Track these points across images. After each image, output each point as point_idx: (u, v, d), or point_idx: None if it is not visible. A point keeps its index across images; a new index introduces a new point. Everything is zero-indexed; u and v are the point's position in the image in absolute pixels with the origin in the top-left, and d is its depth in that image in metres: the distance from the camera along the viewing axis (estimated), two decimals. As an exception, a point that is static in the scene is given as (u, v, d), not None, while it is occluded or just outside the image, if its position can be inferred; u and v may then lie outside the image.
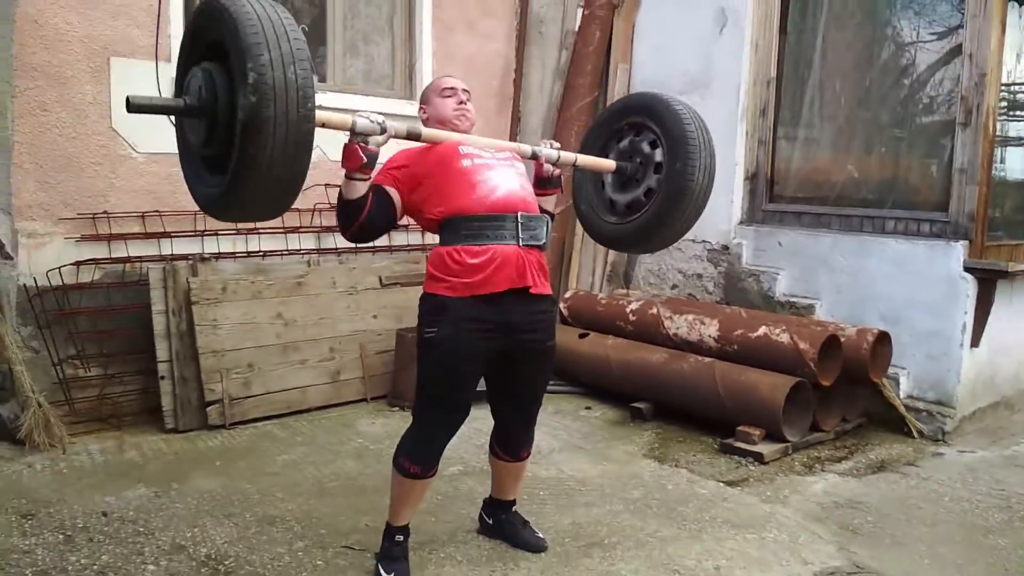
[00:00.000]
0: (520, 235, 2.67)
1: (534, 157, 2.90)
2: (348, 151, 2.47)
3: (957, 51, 4.57)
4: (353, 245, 5.13)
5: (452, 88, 2.90)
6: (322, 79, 5.33)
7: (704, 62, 5.51)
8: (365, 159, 2.46)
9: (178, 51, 2.31)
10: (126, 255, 4.45)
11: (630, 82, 5.98)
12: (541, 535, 3.09)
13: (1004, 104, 4.92)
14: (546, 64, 6.11)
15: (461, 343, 2.63)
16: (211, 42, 2.09)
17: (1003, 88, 4.77)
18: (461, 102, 2.90)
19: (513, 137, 6.08)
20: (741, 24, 5.36)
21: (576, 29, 6.03)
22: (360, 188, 2.56)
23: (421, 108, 2.97)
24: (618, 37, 5.93)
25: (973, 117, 4.46)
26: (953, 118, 4.57)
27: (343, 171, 2.54)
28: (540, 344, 2.80)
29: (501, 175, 2.74)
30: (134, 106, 2.05)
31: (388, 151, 2.66)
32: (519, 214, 2.68)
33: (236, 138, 1.96)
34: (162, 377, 4.32)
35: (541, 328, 2.78)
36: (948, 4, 4.69)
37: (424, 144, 2.73)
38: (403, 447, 2.77)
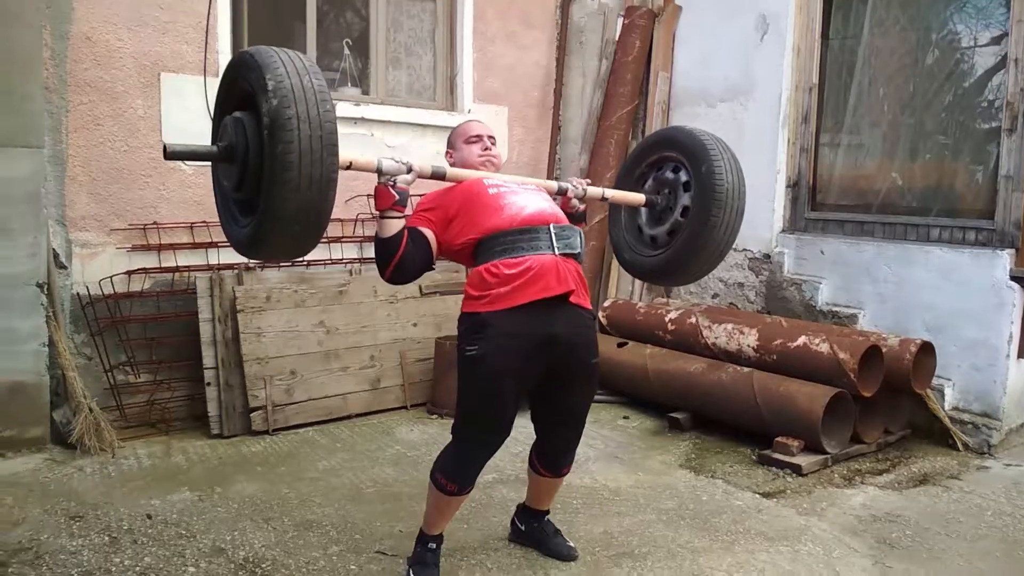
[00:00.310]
0: (555, 244, 2.68)
1: (561, 193, 2.94)
2: (378, 192, 2.55)
3: (1003, 56, 4.48)
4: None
5: (478, 135, 2.96)
6: (365, 91, 5.43)
7: (745, 69, 5.48)
8: (396, 196, 2.54)
9: (214, 102, 2.42)
10: (175, 264, 4.59)
11: (671, 90, 5.97)
12: (572, 544, 3.11)
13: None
14: (586, 74, 6.13)
15: (502, 360, 2.61)
16: (243, 92, 2.20)
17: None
18: (486, 148, 2.96)
19: (553, 147, 6.12)
20: (782, 30, 5.32)
21: (616, 39, 6.04)
22: (395, 226, 2.59)
23: (448, 153, 3.03)
24: (658, 46, 5.93)
25: (1019, 123, 4.36)
26: (999, 124, 4.48)
27: (377, 213, 2.59)
28: (584, 360, 2.78)
29: (527, 198, 2.78)
30: (171, 154, 2.17)
31: (415, 192, 2.72)
32: (551, 225, 2.71)
33: (265, 156, 2.05)
34: (208, 383, 4.45)
35: (584, 343, 2.77)
36: (994, 9, 4.61)
37: (450, 184, 2.80)
38: (441, 465, 2.77)
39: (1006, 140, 4.42)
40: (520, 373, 2.66)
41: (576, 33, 6.13)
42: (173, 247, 4.59)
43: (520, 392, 2.73)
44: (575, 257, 2.75)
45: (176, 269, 4.60)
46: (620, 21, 6.07)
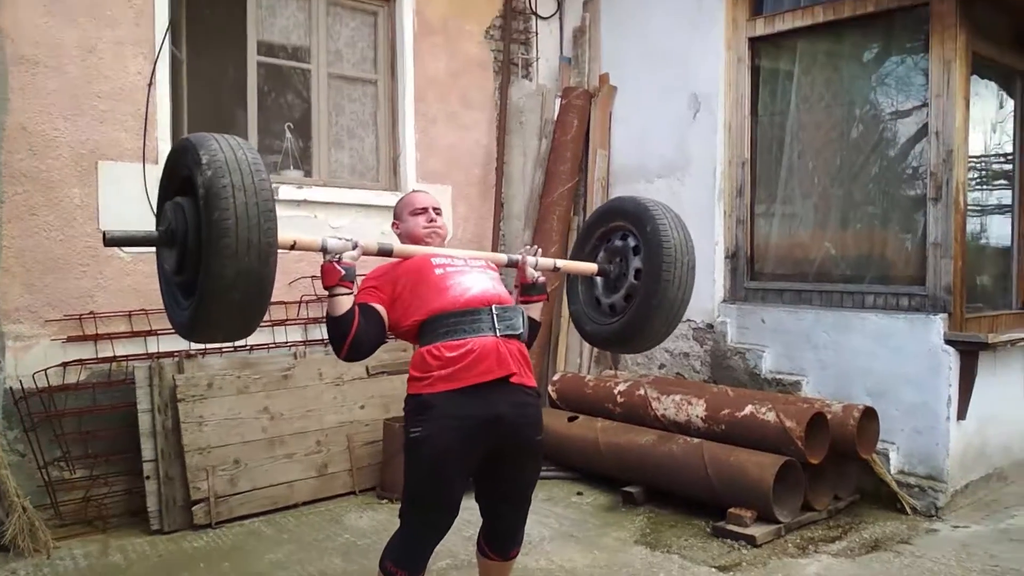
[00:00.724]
0: (497, 325, 2.68)
1: (511, 264, 2.97)
2: (324, 270, 2.55)
3: (924, 127, 4.70)
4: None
5: (423, 207, 2.98)
6: (308, 173, 5.44)
7: (680, 145, 5.65)
8: (343, 271, 2.53)
9: (157, 192, 2.42)
10: (112, 354, 4.47)
11: (609, 167, 6.12)
12: None
13: (975, 176, 5.05)
14: (527, 152, 6.25)
15: (446, 441, 2.59)
16: (181, 177, 2.23)
17: (973, 160, 4.90)
18: (431, 220, 2.97)
19: (497, 223, 6.18)
20: (713, 109, 5.52)
21: (555, 118, 6.20)
22: (345, 303, 2.58)
23: (394, 224, 3.05)
24: (595, 125, 6.09)
25: (943, 192, 4.56)
26: (925, 193, 4.67)
27: (325, 292, 2.58)
28: (528, 439, 2.76)
29: (473, 278, 2.78)
30: (110, 240, 2.18)
31: (362, 269, 2.71)
32: (494, 306, 2.71)
33: (202, 228, 2.06)
34: (147, 477, 4.29)
35: (528, 422, 2.75)
36: (913, 82, 4.85)
37: (397, 260, 2.81)
38: (390, 551, 2.72)
39: (932, 209, 4.61)
40: (464, 453, 2.64)
41: (515, 113, 6.27)
42: (111, 336, 4.47)
43: (465, 472, 2.71)
44: (517, 337, 2.75)
45: (114, 359, 4.47)
46: (558, 101, 6.23)
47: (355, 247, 2.56)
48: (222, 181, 2.05)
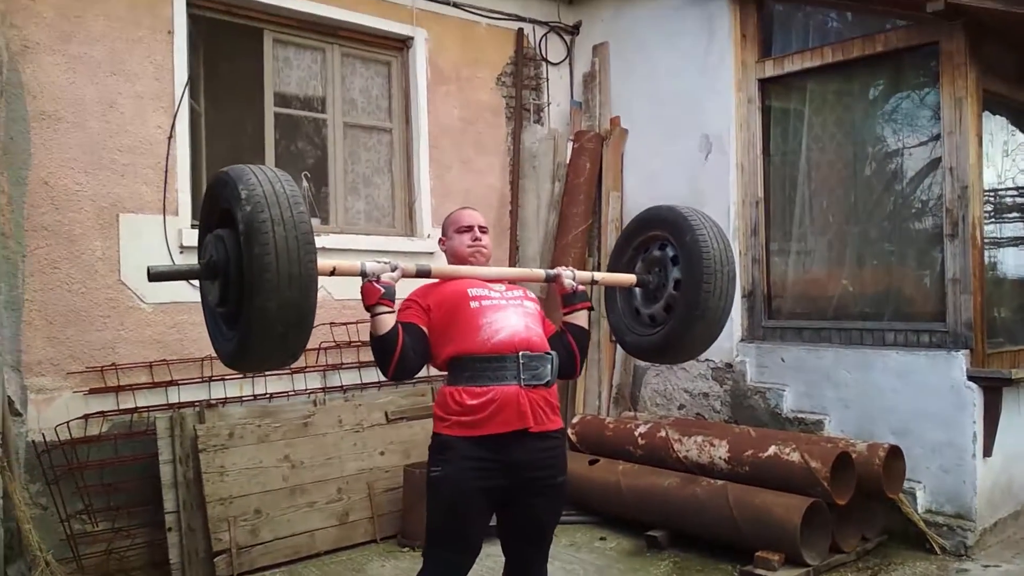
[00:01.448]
0: (521, 375, 2.67)
1: (549, 280, 2.97)
2: (365, 290, 2.55)
3: (938, 162, 4.72)
4: (358, 380, 5.22)
5: (469, 226, 2.98)
6: (324, 221, 5.49)
7: (692, 186, 5.68)
8: (383, 290, 2.54)
9: (199, 224, 2.47)
10: (134, 405, 4.48)
11: (623, 208, 6.15)
12: None
13: (989, 210, 5.05)
14: (540, 196, 6.30)
15: (464, 481, 2.62)
16: (221, 210, 2.26)
17: (988, 193, 4.91)
18: (476, 239, 2.96)
19: (512, 264, 6.19)
20: (725, 149, 5.56)
21: (567, 162, 6.25)
22: (388, 321, 2.57)
23: (441, 240, 3.07)
24: (608, 167, 6.14)
25: (960, 228, 4.57)
26: (940, 228, 4.68)
27: (368, 313, 2.58)
28: (549, 480, 2.75)
29: (507, 316, 2.75)
30: (155, 275, 2.22)
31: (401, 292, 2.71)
32: (520, 353, 2.69)
33: (244, 263, 2.09)
34: (169, 529, 4.27)
35: (548, 464, 2.74)
36: (925, 117, 4.88)
37: (435, 280, 2.82)
38: None
39: (949, 245, 4.61)
40: (483, 493, 2.65)
41: (529, 158, 6.32)
42: (132, 388, 4.49)
43: (486, 512, 2.72)
44: (544, 384, 2.73)
45: (135, 410, 4.48)
46: (570, 145, 6.29)
47: (395, 269, 2.58)
48: (261, 216, 2.06)
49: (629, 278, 3.12)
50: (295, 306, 2.10)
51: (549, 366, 2.75)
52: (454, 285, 2.79)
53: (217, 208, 2.27)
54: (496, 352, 2.68)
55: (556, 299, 3.08)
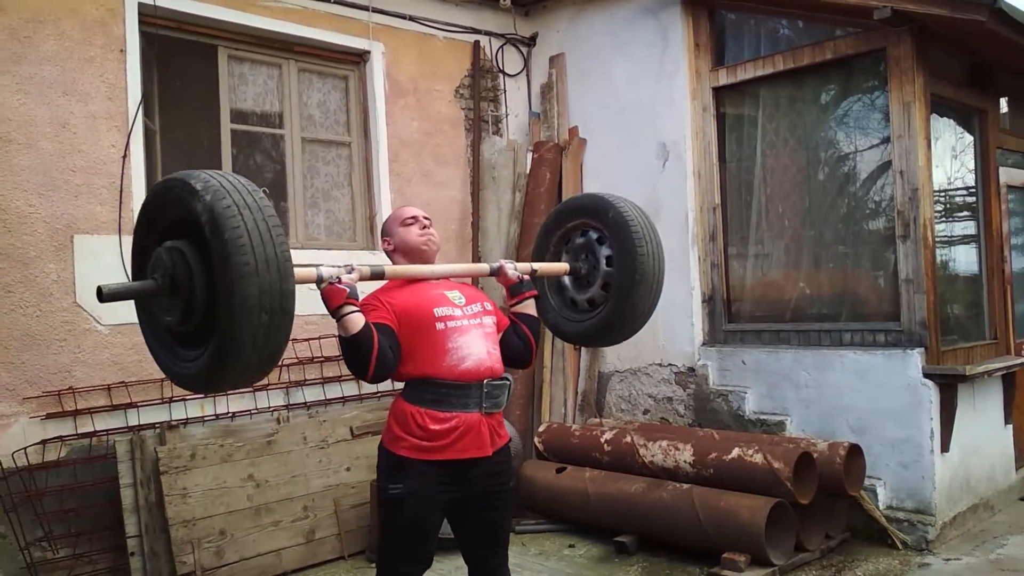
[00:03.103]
0: (484, 403, 2.73)
1: (493, 273, 3.01)
2: (327, 293, 2.50)
3: (888, 165, 4.82)
4: (322, 396, 5.19)
5: (413, 216, 2.97)
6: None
7: (651, 194, 5.73)
8: (348, 290, 2.50)
9: (136, 227, 2.34)
10: (92, 429, 4.41)
11: (583, 217, 6.18)
12: None
13: (941, 209, 5.17)
14: (501, 207, 6.32)
15: (424, 498, 2.67)
16: (169, 219, 2.16)
17: (938, 194, 5.02)
18: (424, 227, 2.96)
19: (475, 281, 6.20)
20: (682, 157, 5.63)
21: (527, 172, 6.29)
22: (358, 319, 2.52)
23: (385, 240, 3.01)
24: (567, 177, 6.18)
25: (911, 229, 4.67)
26: (893, 230, 4.78)
27: (334, 317, 2.52)
28: (501, 487, 2.84)
29: (471, 341, 2.75)
30: (108, 295, 2.08)
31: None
32: (485, 382, 2.73)
33: (214, 255, 1.99)
34: (132, 553, 4.21)
35: (500, 475, 2.83)
36: (876, 121, 4.99)
37: (393, 283, 2.81)
38: None
39: (901, 246, 4.71)
40: (439, 507, 2.72)
41: (488, 169, 6.34)
42: (90, 411, 4.41)
43: (440, 523, 2.77)
44: (500, 409, 2.82)
45: (94, 434, 4.40)
46: (529, 156, 6.33)
47: (351, 271, 2.54)
48: (224, 202, 2.00)
49: (563, 266, 3.23)
50: (276, 290, 2.02)
51: (507, 393, 2.83)
52: (417, 299, 2.77)
53: (165, 218, 2.18)
54: (463, 380, 2.70)
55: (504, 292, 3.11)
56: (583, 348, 6.01)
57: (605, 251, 3.13)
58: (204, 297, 2.07)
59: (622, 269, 3.02)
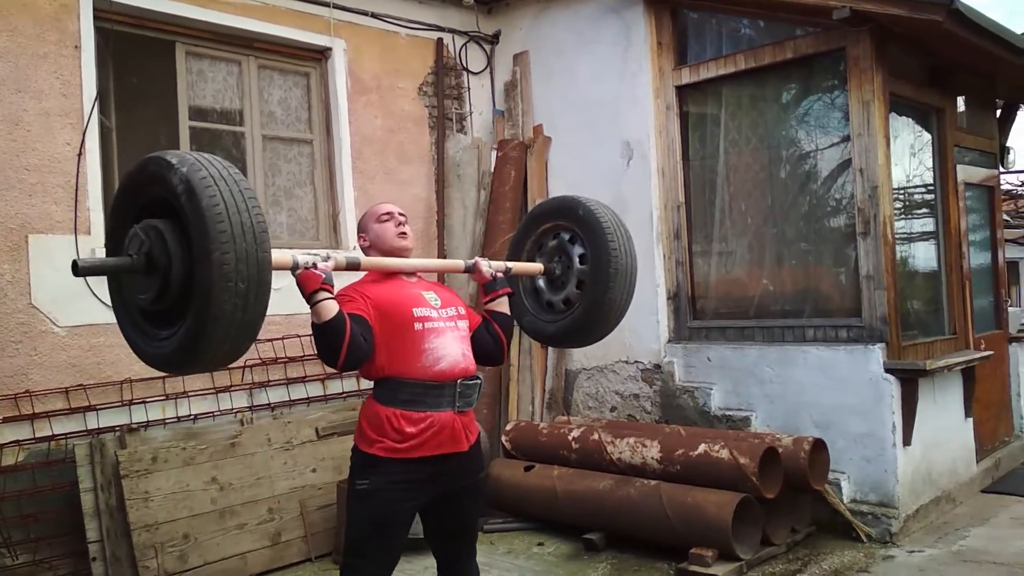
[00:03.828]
0: (457, 402, 2.73)
1: (468, 270, 3.01)
2: (303, 278, 2.48)
3: (848, 163, 4.89)
4: (286, 397, 5.13)
5: (389, 213, 2.96)
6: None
7: (616, 192, 5.74)
8: (323, 275, 2.48)
9: (111, 212, 2.33)
10: (50, 433, 4.31)
11: (549, 215, 6.18)
12: None
13: (901, 206, 5.25)
14: (466, 205, 6.29)
15: (392, 495, 2.66)
16: (146, 198, 2.17)
17: (898, 192, 5.09)
18: (400, 223, 2.95)
19: (441, 275, 6.16)
20: (646, 155, 5.65)
21: (492, 170, 6.27)
22: (332, 306, 2.50)
23: (361, 237, 3.00)
24: (532, 175, 6.18)
25: (872, 227, 4.73)
26: (854, 227, 4.84)
27: (308, 303, 2.50)
28: (471, 481, 2.86)
29: (446, 343, 2.76)
30: (82, 270, 2.07)
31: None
32: (458, 382, 2.73)
33: (191, 225, 2.00)
34: (93, 559, 4.12)
35: (471, 470, 2.85)
36: (836, 119, 5.04)
37: (369, 277, 2.81)
38: None
39: (862, 243, 4.77)
40: (410, 503, 2.71)
41: (453, 167, 6.32)
42: (48, 415, 4.31)
43: (409, 521, 2.76)
44: (471, 407, 2.83)
45: (52, 438, 4.30)
46: (494, 154, 6.31)
47: (327, 259, 2.52)
48: (200, 174, 2.02)
49: (537, 266, 3.26)
50: (252, 259, 2.02)
51: (478, 391, 2.85)
52: (395, 296, 2.76)
53: (142, 196, 2.18)
54: (437, 380, 2.71)
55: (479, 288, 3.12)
56: (550, 347, 6.02)
57: (578, 250, 3.17)
58: (181, 270, 2.07)
59: (595, 265, 3.05)
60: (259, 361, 5.02)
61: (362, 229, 3.01)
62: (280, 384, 5.14)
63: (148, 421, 4.62)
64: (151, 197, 2.15)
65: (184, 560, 4.28)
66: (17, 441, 4.20)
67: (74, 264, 2.06)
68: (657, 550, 4.45)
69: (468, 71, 6.57)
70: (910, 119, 5.40)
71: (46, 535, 4.20)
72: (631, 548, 4.56)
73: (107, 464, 4.27)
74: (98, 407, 4.46)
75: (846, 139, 4.92)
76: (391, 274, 2.85)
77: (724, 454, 4.37)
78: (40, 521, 4.19)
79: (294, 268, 2.46)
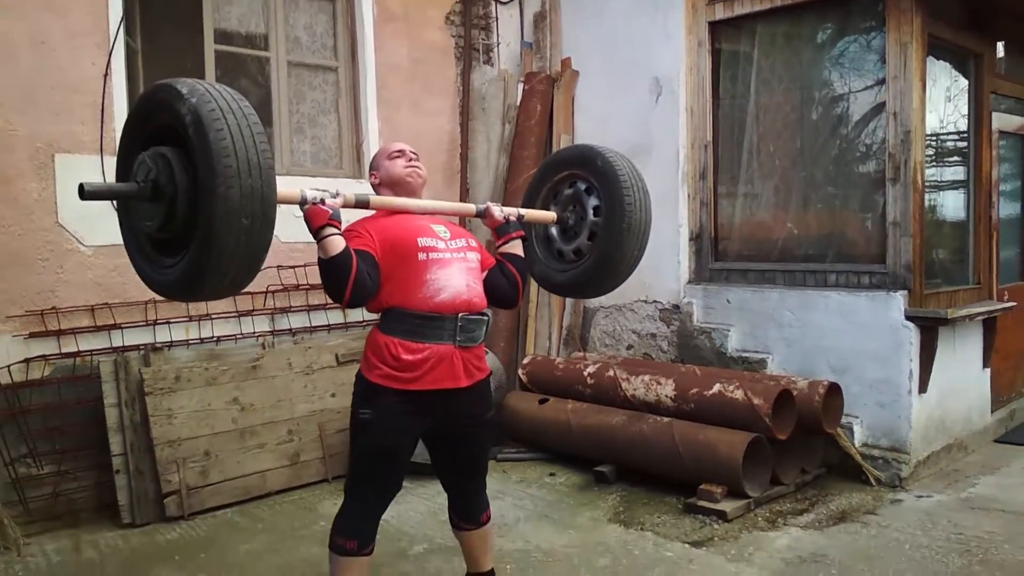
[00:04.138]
0: (457, 336, 2.73)
1: (480, 215, 3.01)
2: (310, 213, 2.49)
3: (882, 108, 4.79)
4: (307, 323, 5.19)
5: (400, 150, 2.97)
6: (270, 162, 5.37)
7: (643, 130, 5.68)
8: (330, 211, 2.49)
9: (122, 136, 2.34)
10: (76, 349, 4.40)
11: (573, 151, 6.13)
12: None
13: (932, 153, 5.15)
14: (491, 138, 6.25)
15: (393, 424, 2.70)
16: (155, 125, 2.17)
17: (930, 138, 5.00)
18: (410, 160, 2.96)
19: (462, 222, 6.16)
20: (675, 92, 5.56)
21: (518, 104, 6.20)
22: (339, 242, 2.51)
23: (372, 174, 3.01)
24: (559, 110, 6.11)
25: (902, 172, 4.66)
26: (883, 173, 4.76)
27: (315, 238, 2.51)
28: (477, 420, 2.88)
29: (450, 274, 2.76)
30: (88, 193, 2.08)
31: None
32: (460, 316, 2.73)
33: (197, 157, 2.00)
34: (117, 471, 4.24)
35: (475, 408, 2.86)
36: (871, 62, 4.93)
37: (379, 214, 2.81)
38: (337, 526, 2.78)
39: (891, 189, 4.70)
40: (411, 433, 2.76)
41: (478, 99, 6.25)
42: (74, 331, 4.40)
43: (411, 448, 2.80)
44: (477, 344, 2.82)
45: (77, 354, 4.40)
46: (520, 87, 6.24)
47: (336, 195, 2.53)
48: (209, 106, 2.01)
49: (550, 215, 3.24)
50: (258, 194, 2.02)
51: (484, 328, 2.84)
52: (402, 229, 2.76)
53: (151, 123, 2.18)
54: (437, 311, 2.71)
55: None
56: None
57: (592, 201, 3.14)
58: (186, 201, 2.08)
59: (609, 218, 3.02)
60: (281, 287, 5.08)
61: (374, 167, 3.01)
62: (301, 310, 5.21)
63: (171, 341, 4.71)
64: (160, 124, 2.15)
65: (205, 476, 4.41)
66: (43, 356, 4.30)
67: (80, 187, 2.07)
68: (667, 485, 4.51)
69: (497, 0, 6.45)
70: (947, 63, 5.26)
71: (71, 447, 4.32)
72: (641, 482, 4.63)
73: (131, 381, 4.36)
74: (123, 325, 4.55)
75: (881, 82, 4.81)
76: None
77: (738, 394, 4.39)
78: (65, 434, 4.31)
79: (302, 203, 2.47)
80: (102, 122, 4.52)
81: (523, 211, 3.14)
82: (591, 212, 3.14)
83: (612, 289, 3.22)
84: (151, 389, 4.35)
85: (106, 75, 4.53)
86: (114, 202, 2.42)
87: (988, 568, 3.45)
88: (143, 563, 3.73)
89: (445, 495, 3.06)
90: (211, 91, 2.06)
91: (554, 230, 3.30)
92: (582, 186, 3.19)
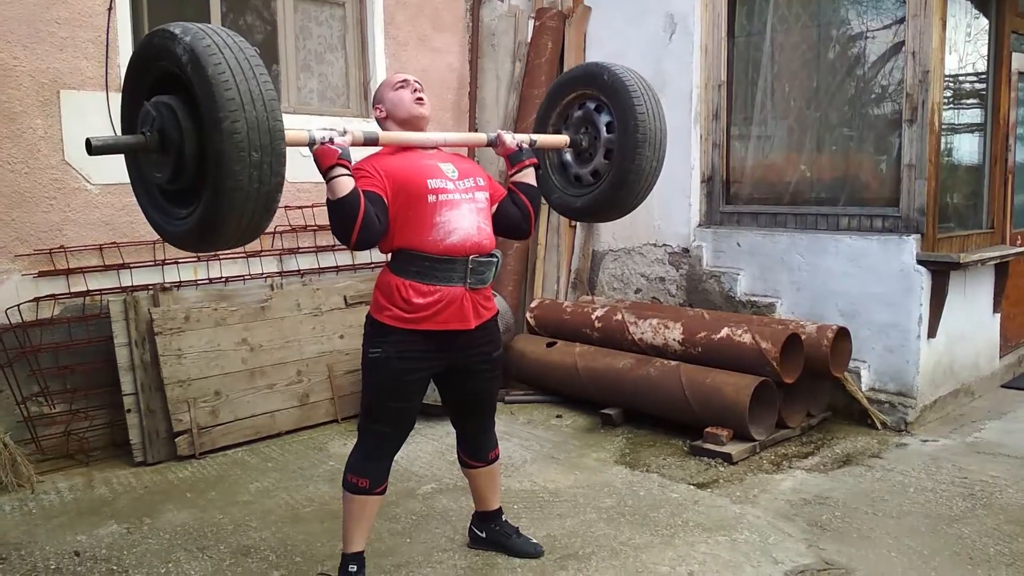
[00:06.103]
0: (468, 278, 2.74)
1: (491, 143, 2.98)
2: (319, 153, 2.47)
3: (900, 48, 4.68)
4: (315, 265, 5.19)
5: (404, 80, 2.92)
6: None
7: (656, 68, 5.57)
8: (339, 151, 2.46)
9: (123, 90, 2.32)
10: (85, 288, 4.41)
11: (584, 90, 6.03)
12: (536, 541, 3.18)
13: (950, 95, 5.05)
14: (500, 76, 6.14)
15: (405, 363, 2.72)
16: (156, 73, 2.16)
17: (948, 79, 4.89)
18: (416, 90, 2.91)
19: (471, 149, 6.09)
20: (690, 29, 5.44)
21: (528, 40, 6.08)
22: (347, 183, 2.48)
23: (376, 107, 2.94)
24: (570, 47, 5.99)
25: (919, 114, 4.57)
26: (899, 115, 4.67)
27: (324, 179, 2.49)
28: (485, 358, 2.90)
29: (460, 216, 2.72)
30: (96, 148, 2.07)
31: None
32: (471, 258, 2.73)
33: (198, 92, 1.99)
34: (128, 410, 4.28)
35: (484, 347, 2.88)
36: (890, 1, 4.80)
37: (387, 150, 2.78)
38: (351, 465, 2.82)
39: (907, 130, 4.61)
40: (421, 372, 2.77)
41: (488, 36, 6.14)
42: (82, 271, 4.40)
43: (423, 388, 2.82)
44: (486, 286, 2.83)
45: (87, 293, 4.41)
46: (531, 23, 6.11)
47: (344, 133, 2.51)
48: (204, 42, 2.01)
49: (563, 138, 3.20)
50: (264, 126, 2.01)
51: (494, 269, 2.84)
52: (411, 167, 2.72)
53: (149, 73, 2.17)
54: (448, 254, 2.70)
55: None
56: (578, 226, 5.98)
57: (604, 118, 3.10)
58: (193, 142, 2.07)
59: (623, 131, 2.98)
60: (289, 228, 5.07)
61: (378, 100, 2.95)
62: (309, 252, 5.20)
63: (180, 281, 4.72)
64: (160, 72, 2.13)
65: (215, 415, 4.45)
66: (53, 295, 4.31)
67: (87, 143, 2.06)
68: (672, 427, 4.54)
69: (507, -66, 6.28)
70: (969, 2, 5.11)
71: (82, 386, 4.37)
72: (647, 424, 4.67)
73: (141, 321, 4.38)
74: (132, 265, 4.55)
75: (900, 21, 4.69)
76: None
77: (747, 338, 4.39)
78: (76, 373, 4.35)
79: (311, 143, 2.44)
80: (107, 57, 4.46)
81: (536, 137, 3.10)
82: (604, 129, 3.10)
83: (632, 207, 3.17)
84: (161, 329, 4.37)
85: (111, 8, 4.45)
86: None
87: (992, 511, 3.48)
88: (155, 500, 3.78)
89: (453, 436, 3.10)
90: (204, 28, 2.05)
91: (568, 155, 3.27)
92: (592, 105, 3.15)
